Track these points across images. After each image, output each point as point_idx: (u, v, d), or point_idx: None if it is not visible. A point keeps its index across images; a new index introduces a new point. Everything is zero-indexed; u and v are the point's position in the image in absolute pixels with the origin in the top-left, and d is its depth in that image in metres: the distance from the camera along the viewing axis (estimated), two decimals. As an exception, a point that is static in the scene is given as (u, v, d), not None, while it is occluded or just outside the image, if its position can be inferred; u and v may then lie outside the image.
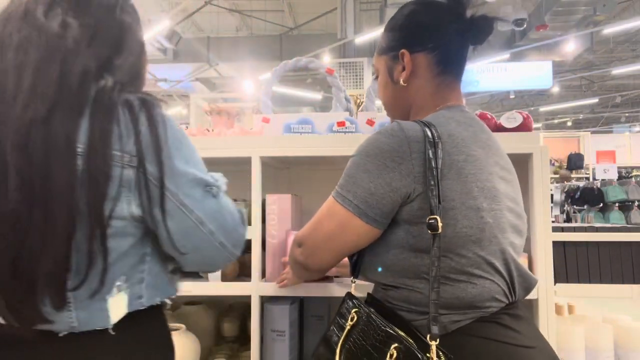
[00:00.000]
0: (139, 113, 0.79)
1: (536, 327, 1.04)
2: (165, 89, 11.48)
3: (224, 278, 1.48)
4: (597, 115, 16.53)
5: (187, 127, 1.65)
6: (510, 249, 0.94)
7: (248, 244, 1.44)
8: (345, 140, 1.46)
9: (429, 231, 0.86)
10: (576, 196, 5.54)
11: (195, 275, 1.42)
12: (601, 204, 5.35)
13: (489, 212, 0.91)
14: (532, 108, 14.39)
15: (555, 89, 12.72)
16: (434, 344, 0.82)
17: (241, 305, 1.80)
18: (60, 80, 0.76)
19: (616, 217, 5.24)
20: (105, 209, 0.76)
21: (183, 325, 1.50)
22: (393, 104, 1.13)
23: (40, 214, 0.72)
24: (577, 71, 12.26)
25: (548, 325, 1.33)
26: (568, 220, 5.71)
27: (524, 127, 1.50)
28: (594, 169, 7.75)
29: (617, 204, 5.32)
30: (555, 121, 16.52)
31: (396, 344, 0.83)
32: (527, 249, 1.42)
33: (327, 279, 1.43)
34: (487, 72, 8.30)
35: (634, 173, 9.11)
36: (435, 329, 0.83)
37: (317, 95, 9.52)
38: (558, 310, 1.60)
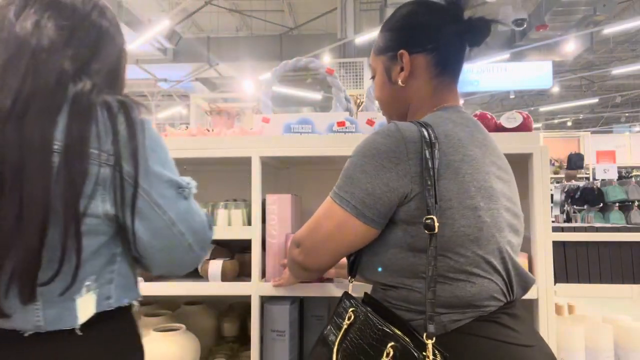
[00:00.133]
0: (117, 114, 0.80)
1: (534, 326, 1.04)
2: (165, 89, 11.49)
3: (224, 278, 1.48)
4: (597, 115, 16.54)
5: (187, 127, 1.65)
6: (508, 248, 0.95)
7: (248, 244, 1.45)
8: (345, 140, 1.46)
9: (426, 231, 0.87)
10: (576, 196, 5.54)
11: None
12: (601, 204, 5.35)
13: (487, 212, 0.91)
14: (532, 108, 14.39)
15: (555, 89, 12.72)
16: (430, 343, 0.82)
17: (241, 305, 1.80)
18: (33, 76, 0.77)
19: (616, 217, 5.24)
20: (80, 206, 0.76)
21: (183, 325, 1.50)
22: (390, 104, 1.13)
23: (13, 208, 0.73)
24: (577, 71, 12.27)
25: (548, 325, 1.33)
26: (568, 220, 5.71)
27: (524, 127, 1.50)
28: (594, 169, 7.75)
29: (617, 204, 5.32)
30: (555, 121, 16.53)
31: (392, 343, 0.83)
32: (527, 249, 1.42)
33: (326, 279, 1.43)
34: (487, 72, 8.30)
35: (634, 173, 9.10)
36: (431, 328, 0.84)
37: (317, 95, 9.52)
38: (558, 310, 1.60)
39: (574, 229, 1.77)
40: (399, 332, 0.85)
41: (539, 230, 1.37)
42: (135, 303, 0.91)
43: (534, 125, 1.60)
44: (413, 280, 0.92)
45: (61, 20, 0.83)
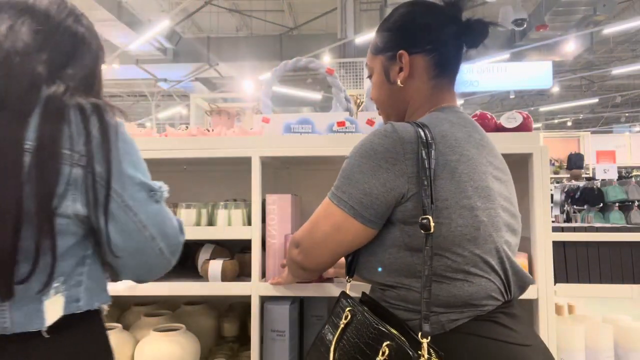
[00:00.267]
0: (90, 116, 0.81)
1: (532, 326, 1.04)
2: (165, 89, 11.49)
3: (224, 278, 1.48)
4: (597, 115, 16.54)
5: (187, 127, 1.65)
6: (505, 248, 0.95)
7: (248, 244, 1.45)
8: (345, 140, 1.46)
9: (422, 231, 0.87)
10: (576, 196, 5.54)
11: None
12: (601, 204, 5.35)
13: (484, 211, 0.91)
14: (532, 108, 14.39)
15: (555, 89, 12.71)
16: (425, 342, 0.83)
17: (241, 305, 1.80)
18: (6, 79, 0.78)
19: (616, 217, 5.24)
20: (52, 205, 0.77)
21: (183, 325, 1.51)
22: (388, 104, 1.13)
23: None
24: (577, 71, 12.27)
25: (548, 325, 1.33)
26: (568, 220, 5.71)
27: (524, 127, 1.50)
28: (594, 169, 7.75)
29: (617, 204, 5.32)
30: (555, 121, 16.53)
31: (388, 342, 0.84)
32: (527, 249, 1.42)
33: (326, 279, 1.43)
34: (487, 72, 8.29)
35: (634, 173, 9.10)
36: (426, 327, 0.85)
37: (317, 95, 9.51)
38: (558, 310, 1.60)
39: (574, 229, 1.77)
40: (395, 332, 0.85)
41: (539, 230, 1.37)
42: (105, 307, 0.90)
43: (534, 125, 1.60)
44: (411, 279, 0.92)
45: (35, 26, 0.85)
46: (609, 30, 7.80)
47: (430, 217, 0.87)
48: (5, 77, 0.79)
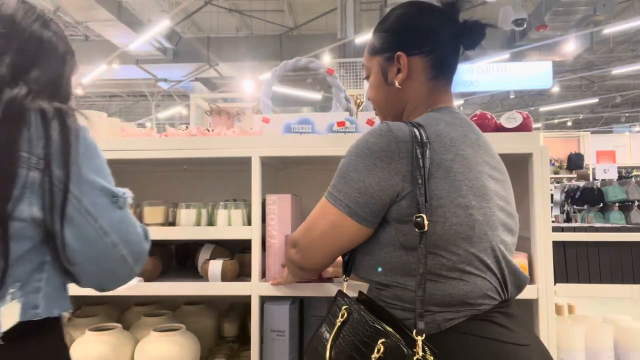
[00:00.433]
0: (51, 120, 0.81)
1: (529, 326, 1.04)
2: (165, 89, 11.49)
3: (224, 278, 1.48)
4: (597, 115, 16.54)
5: (187, 127, 1.65)
6: (501, 247, 0.96)
7: (248, 244, 1.45)
8: (345, 140, 1.46)
9: (416, 229, 0.88)
10: (576, 196, 5.54)
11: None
12: (601, 204, 5.35)
13: (479, 210, 0.92)
14: (532, 108, 14.39)
15: (555, 89, 12.72)
16: (420, 339, 0.83)
17: (241, 305, 1.80)
18: None
19: (616, 217, 5.25)
20: (8, 208, 0.76)
21: (183, 325, 1.51)
22: (386, 105, 1.14)
23: None
24: (577, 71, 12.27)
25: (548, 325, 1.33)
26: (568, 220, 5.71)
27: (524, 127, 1.50)
28: (594, 169, 7.75)
29: (617, 204, 5.32)
30: (555, 121, 16.53)
31: (383, 339, 0.84)
32: (527, 249, 1.42)
33: (326, 279, 1.43)
34: (487, 72, 8.29)
35: (634, 173, 9.10)
36: (421, 325, 0.85)
37: (317, 95, 9.51)
38: (558, 310, 1.60)
39: (574, 229, 1.77)
40: (391, 329, 0.86)
41: (539, 230, 1.37)
42: (66, 315, 0.89)
43: (534, 125, 1.60)
44: (406, 278, 0.93)
45: (1, 29, 0.86)
46: (609, 30, 7.80)
47: (424, 216, 0.87)
48: None
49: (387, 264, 0.95)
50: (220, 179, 1.91)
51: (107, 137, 1.64)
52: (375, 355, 0.84)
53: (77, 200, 0.81)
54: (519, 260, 1.38)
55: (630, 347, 1.60)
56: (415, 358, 0.81)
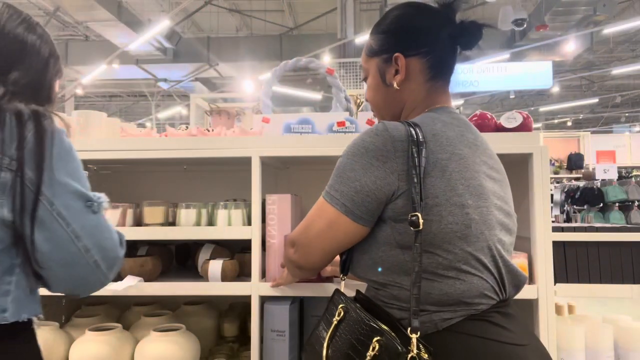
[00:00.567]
0: (27, 121, 0.80)
1: (528, 325, 1.05)
2: (165, 89, 11.49)
3: (224, 278, 1.48)
4: (597, 115, 16.54)
5: (187, 127, 1.65)
6: (499, 246, 0.96)
7: (248, 244, 1.45)
8: (345, 140, 1.45)
9: (411, 228, 0.88)
10: (576, 196, 5.54)
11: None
12: (601, 204, 5.35)
13: (475, 209, 0.92)
14: (532, 108, 14.39)
15: (555, 89, 12.72)
16: (414, 337, 0.84)
17: (241, 305, 1.80)
18: None
19: (616, 217, 5.25)
20: None
21: (183, 325, 1.51)
22: (384, 106, 1.14)
23: None
24: (577, 71, 12.27)
25: (548, 325, 1.33)
26: (568, 220, 5.71)
27: (524, 127, 1.50)
28: (594, 169, 7.75)
29: (617, 204, 5.32)
30: (555, 121, 16.52)
31: (378, 337, 0.85)
32: (527, 249, 1.42)
33: (326, 279, 1.43)
34: (487, 72, 8.29)
35: (634, 173, 9.10)
36: (415, 323, 0.86)
37: (317, 95, 9.51)
38: (558, 310, 1.60)
39: (574, 229, 1.77)
40: (386, 328, 0.86)
41: (539, 230, 1.37)
42: (36, 320, 0.87)
43: (534, 125, 1.60)
44: (403, 277, 0.93)
45: None
46: (609, 30, 7.80)
47: (419, 214, 0.88)
48: None
49: (384, 263, 0.95)
50: (220, 179, 1.91)
51: (107, 137, 1.64)
52: (370, 353, 0.84)
53: (49, 203, 0.80)
54: (519, 261, 1.38)
55: (630, 347, 1.60)
56: (409, 356, 0.82)
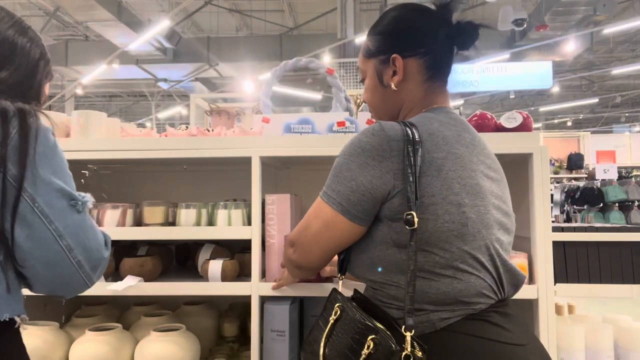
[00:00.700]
0: (11, 118, 0.81)
1: (527, 325, 1.05)
2: (165, 89, 11.49)
3: (224, 278, 1.48)
4: (597, 115, 16.54)
5: (187, 127, 1.65)
6: (496, 245, 0.96)
7: (248, 244, 1.45)
8: (345, 140, 1.45)
9: (407, 226, 0.89)
10: (576, 196, 5.54)
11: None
12: (601, 204, 5.35)
13: (472, 208, 0.92)
14: (532, 108, 14.39)
15: (555, 89, 12.72)
16: (408, 335, 0.84)
17: (241, 305, 1.80)
18: None
19: (616, 217, 5.25)
20: None
21: (183, 325, 1.51)
22: (381, 107, 1.14)
23: None
24: (577, 71, 12.27)
25: (548, 325, 1.33)
26: (568, 220, 5.72)
27: (524, 127, 1.50)
28: (593, 169, 7.75)
29: (617, 204, 5.32)
30: (555, 121, 16.53)
31: (373, 335, 0.85)
32: (527, 249, 1.42)
33: (326, 279, 1.43)
34: (487, 72, 8.28)
35: (634, 173, 9.10)
36: (410, 321, 0.86)
37: (317, 95, 9.51)
38: (558, 310, 1.60)
39: (574, 229, 1.77)
40: (381, 326, 0.86)
41: (539, 230, 1.37)
42: (18, 320, 0.85)
43: (534, 125, 1.60)
44: (400, 277, 0.93)
45: None
46: (609, 30, 7.81)
47: (414, 213, 0.88)
48: None
49: (381, 262, 0.95)
50: (220, 179, 1.91)
51: (107, 137, 1.64)
52: (365, 351, 0.84)
53: (31, 200, 0.79)
54: (519, 260, 1.38)
55: (630, 347, 1.60)
56: (403, 354, 0.82)
